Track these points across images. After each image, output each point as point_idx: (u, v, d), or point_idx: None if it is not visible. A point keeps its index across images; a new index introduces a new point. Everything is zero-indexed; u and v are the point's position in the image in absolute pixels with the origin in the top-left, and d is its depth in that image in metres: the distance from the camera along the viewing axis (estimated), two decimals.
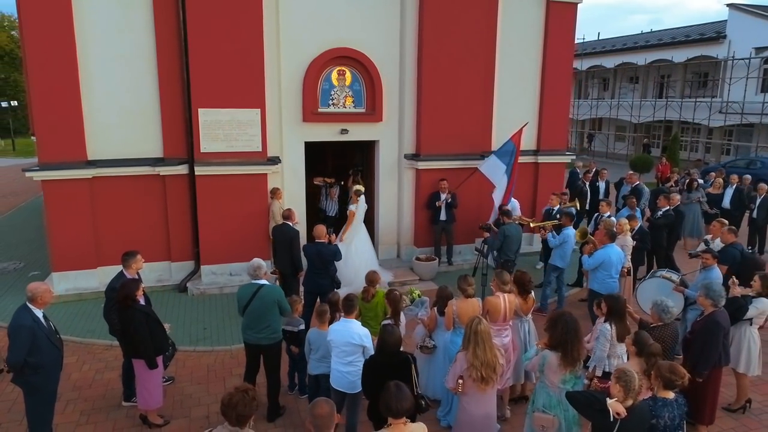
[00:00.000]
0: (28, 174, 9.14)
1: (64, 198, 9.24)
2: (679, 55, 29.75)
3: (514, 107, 11.86)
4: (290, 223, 8.61)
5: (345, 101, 10.76)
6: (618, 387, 3.90)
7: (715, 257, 7.02)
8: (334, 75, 10.60)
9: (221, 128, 9.63)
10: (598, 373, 5.47)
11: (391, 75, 10.87)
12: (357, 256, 9.95)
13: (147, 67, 9.43)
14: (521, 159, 11.89)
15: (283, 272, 8.68)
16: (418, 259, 10.93)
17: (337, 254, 7.77)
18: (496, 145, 11.48)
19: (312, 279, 7.75)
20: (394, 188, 11.45)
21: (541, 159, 12.28)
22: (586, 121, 36.69)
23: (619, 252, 8.03)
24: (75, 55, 8.99)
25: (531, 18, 11.75)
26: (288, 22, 10.04)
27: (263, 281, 5.97)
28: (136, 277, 6.42)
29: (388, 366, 4.69)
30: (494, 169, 10.71)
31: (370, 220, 11.61)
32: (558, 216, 10.38)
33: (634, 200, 10.96)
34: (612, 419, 3.80)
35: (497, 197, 10.75)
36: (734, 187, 13.58)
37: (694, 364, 5.70)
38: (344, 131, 10.74)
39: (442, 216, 11.05)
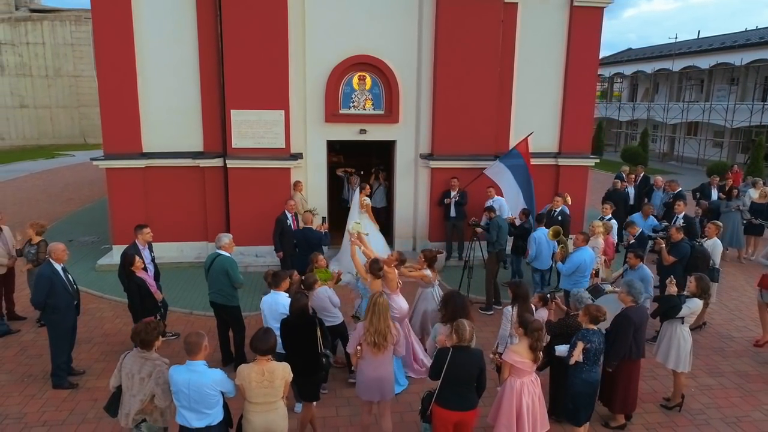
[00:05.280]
0: (95, 163, 11.15)
1: (123, 183, 11.13)
2: None
3: (534, 111, 12.20)
4: (287, 213, 9.88)
5: (365, 104, 11.78)
6: (452, 335, 4.93)
7: (639, 257, 7.18)
8: (355, 80, 11.65)
9: (250, 127, 11.05)
10: (500, 349, 6.03)
11: (409, 80, 11.72)
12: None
13: (191, 74, 11.07)
14: (540, 161, 12.26)
15: (285, 253, 9.94)
16: None
17: (322, 239, 8.81)
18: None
19: (300, 260, 8.85)
20: (411, 185, 12.27)
21: (562, 162, 12.47)
22: (678, 125, 34.56)
23: (591, 254, 8.31)
24: (134, 65, 10.82)
25: (553, 23, 12.01)
26: (313, 32, 11.24)
27: (222, 252, 7.16)
28: (145, 247, 7.90)
29: (297, 326, 5.65)
30: (501, 175, 11.13)
31: (389, 214, 12.59)
32: (559, 218, 10.66)
33: (651, 207, 10.90)
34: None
35: (527, 203, 11.09)
36: None
37: (606, 355, 6.10)
38: (362, 131, 11.76)
39: (452, 213, 11.71)
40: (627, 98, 41.90)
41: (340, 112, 11.68)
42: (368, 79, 11.68)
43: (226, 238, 7.30)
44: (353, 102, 11.75)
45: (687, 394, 7.01)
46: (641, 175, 15.05)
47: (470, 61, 11.45)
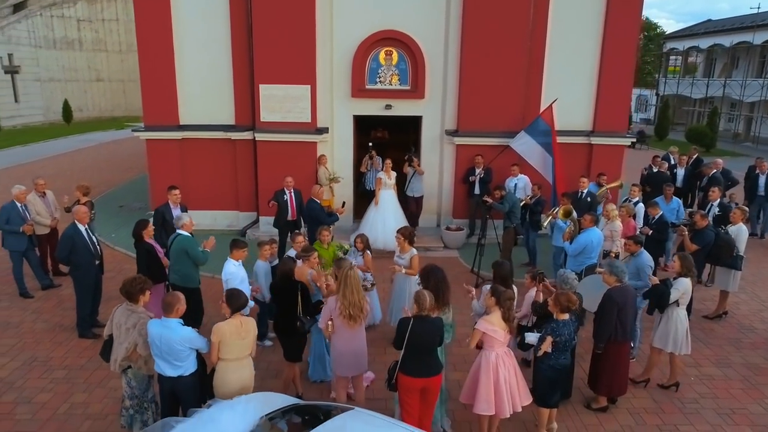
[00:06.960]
0: (135, 134, 11.92)
1: (161, 153, 11.86)
2: None
3: (567, 87, 11.74)
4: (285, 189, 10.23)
5: (391, 79, 11.84)
6: (414, 305, 5.10)
7: (638, 243, 6.96)
8: (382, 55, 11.71)
9: (278, 101, 11.42)
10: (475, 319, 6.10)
11: (436, 55, 11.64)
12: (381, 220, 11.15)
13: (224, 50, 11.53)
14: (572, 139, 11.91)
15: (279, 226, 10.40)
16: (448, 228, 11.72)
17: (318, 213, 9.10)
18: None
19: (310, 232, 9.22)
20: (436, 162, 12.28)
21: (595, 140, 12.04)
22: (756, 103, 32.02)
23: (599, 235, 8.11)
24: (172, 42, 11.42)
25: None
26: (340, 7, 11.38)
27: (182, 231, 7.22)
28: (177, 207, 8.48)
29: (282, 288, 6.01)
30: (528, 147, 10.95)
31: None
32: (588, 198, 10.37)
33: (671, 189, 10.42)
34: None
35: (550, 180, 10.95)
36: None
37: (593, 337, 6.09)
38: (388, 107, 11.85)
39: (476, 190, 11.65)
40: (702, 74, 39.16)
41: (367, 87, 11.81)
42: (395, 55, 11.71)
43: (186, 218, 7.37)
44: (379, 77, 11.84)
45: (685, 383, 6.84)
46: (695, 156, 14.18)
47: (498, 35, 11.21)
